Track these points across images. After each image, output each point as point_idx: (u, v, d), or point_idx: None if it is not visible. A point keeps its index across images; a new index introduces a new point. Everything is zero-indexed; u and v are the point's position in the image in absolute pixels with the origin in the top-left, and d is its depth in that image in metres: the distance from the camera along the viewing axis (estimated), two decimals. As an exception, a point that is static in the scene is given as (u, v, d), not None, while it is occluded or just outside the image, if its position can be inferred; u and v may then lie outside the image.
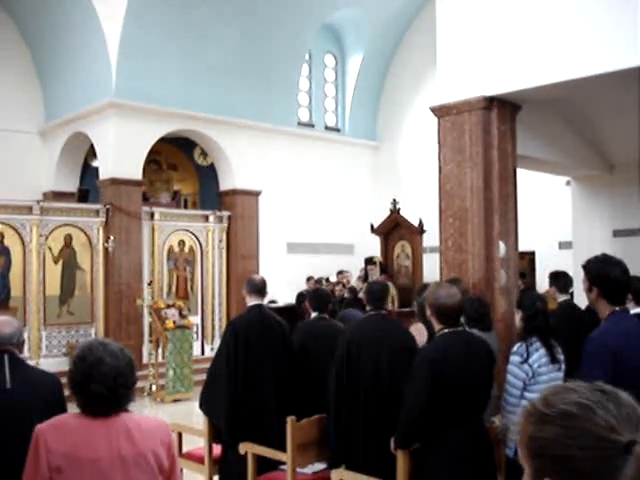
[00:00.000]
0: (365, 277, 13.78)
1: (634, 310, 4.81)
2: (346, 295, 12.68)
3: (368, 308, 5.26)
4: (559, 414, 1.30)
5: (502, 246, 6.68)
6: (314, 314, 6.09)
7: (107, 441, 2.68)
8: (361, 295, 12.03)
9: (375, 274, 13.42)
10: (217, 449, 5.78)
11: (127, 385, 2.75)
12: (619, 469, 1.25)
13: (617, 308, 3.80)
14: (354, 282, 14.03)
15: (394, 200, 14.03)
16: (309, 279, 14.74)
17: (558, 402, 1.32)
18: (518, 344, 4.62)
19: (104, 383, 2.67)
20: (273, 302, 13.55)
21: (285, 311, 11.05)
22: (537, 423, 1.33)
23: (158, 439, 2.80)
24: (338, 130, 18.27)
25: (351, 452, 4.89)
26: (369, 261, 14.24)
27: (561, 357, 4.61)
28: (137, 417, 2.85)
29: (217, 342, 13.03)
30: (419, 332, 5.45)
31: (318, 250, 16.75)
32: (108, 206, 13.20)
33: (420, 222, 13.53)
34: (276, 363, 5.68)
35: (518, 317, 4.78)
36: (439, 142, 6.98)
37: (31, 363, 9.53)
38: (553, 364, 4.52)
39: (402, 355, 4.77)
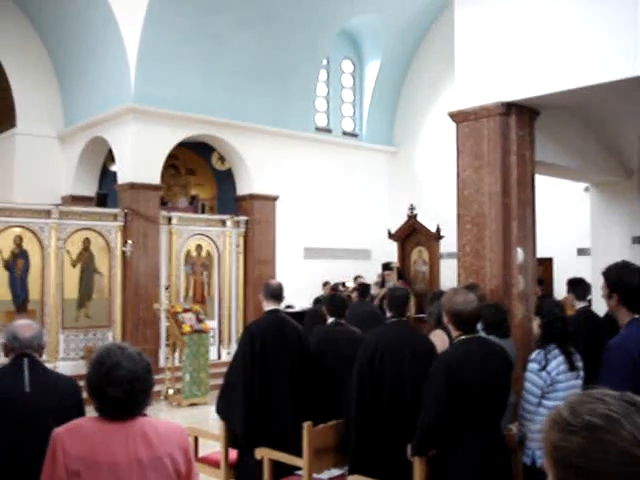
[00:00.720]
0: (382, 283, 13.75)
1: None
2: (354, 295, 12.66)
3: (389, 314, 5.24)
4: (585, 425, 1.27)
5: (520, 252, 6.65)
6: (330, 319, 6.09)
7: (124, 445, 2.68)
8: (377, 301, 12.04)
9: (392, 280, 13.40)
10: (233, 454, 5.79)
11: (144, 389, 2.76)
12: None
13: (637, 315, 3.78)
14: (372, 290, 13.99)
15: (411, 205, 14.02)
16: (325, 284, 14.73)
17: (584, 412, 1.29)
18: (536, 351, 4.59)
19: (121, 387, 2.68)
20: (290, 307, 13.56)
21: (302, 316, 11.05)
22: (562, 432, 1.30)
23: (175, 443, 2.80)
24: (355, 135, 18.26)
25: (372, 457, 4.88)
26: (386, 266, 14.21)
27: (580, 364, 4.58)
28: (154, 421, 2.85)
29: (234, 347, 13.05)
30: (440, 339, 5.43)
31: (335, 255, 16.73)
32: (126, 210, 13.26)
33: (437, 228, 13.51)
34: (292, 368, 5.68)
35: (536, 324, 4.75)
36: (457, 148, 6.96)
37: (49, 366, 9.59)
38: (572, 372, 4.49)
39: (425, 361, 4.74)
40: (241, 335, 6.05)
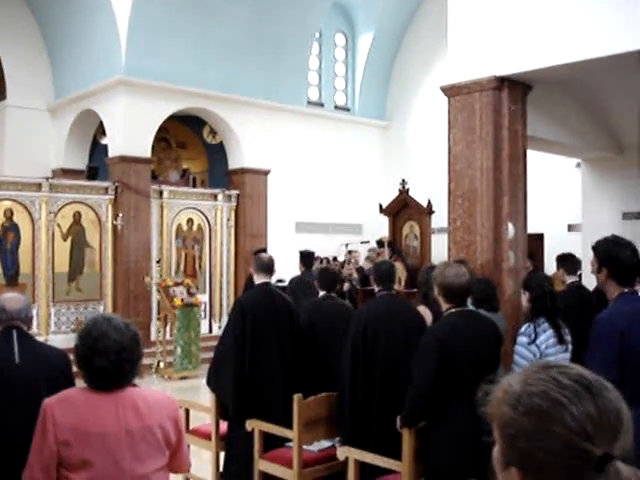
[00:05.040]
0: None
1: (641, 293, 4.79)
2: (355, 275, 12.72)
3: (377, 289, 5.26)
4: (534, 409, 1.20)
5: (511, 227, 6.65)
6: (322, 293, 6.10)
7: (114, 415, 2.70)
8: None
9: (383, 256, 13.38)
10: (224, 426, 5.82)
11: (131, 360, 2.77)
12: None
13: (626, 289, 3.80)
14: (362, 262, 14.02)
15: (403, 180, 14.00)
16: (315, 259, 14.70)
17: (536, 394, 1.21)
18: (526, 325, 4.61)
19: (108, 357, 2.69)
20: (280, 281, 13.57)
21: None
22: (511, 409, 1.23)
23: (165, 413, 2.81)
24: (348, 109, 18.20)
25: (366, 430, 4.91)
26: (380, 243, 14.17)
27: (568, 338, 4.61)
28: (144, 391, 2.87)
29: (225, 320, 13.07)
30: (424, 314, 5.46)
31: (327, 230, 16.74)
32: (117, 184, 13.21)
33: (429, 202, 13.51)
34: (283, 341, 5.70)
35: (525, 298, 4.77)
36: (449, 122, 6.93)
37: (40, 339, 9.60)
38: (560, 345, 4.52)
39: (416, 333, 4.76)
40: (232, 308, 6.07)
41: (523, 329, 4.60)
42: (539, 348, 4.44)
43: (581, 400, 1.18)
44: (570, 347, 4.61)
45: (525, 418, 1.21)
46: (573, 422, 1.16)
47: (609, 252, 3.79)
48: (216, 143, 16.15)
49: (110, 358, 2.69)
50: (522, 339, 4.53)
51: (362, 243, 14.90)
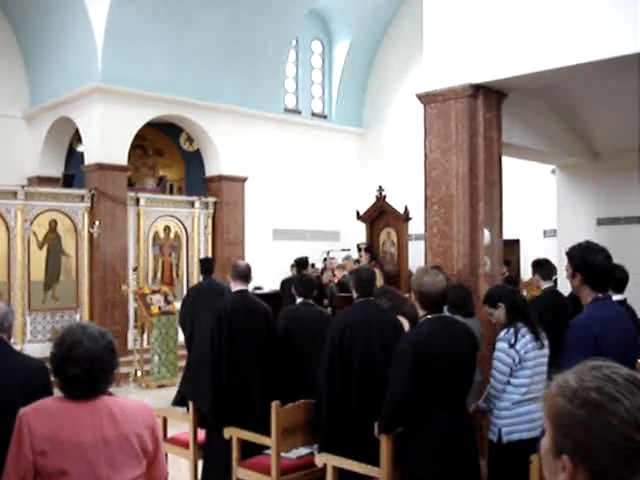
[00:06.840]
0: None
1: (614, 298, 4.85)
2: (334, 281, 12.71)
3: (356, 295, 5.26)
4: (588, 401, 1.31)
5: (487, 233, 6.70)
6: (299, 300, 6.11)
7: (90, 424, 2.68)
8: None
9: (362, 261, 13.39)
10: (202, 434, 5.80)
11: (105, 368, 2.76)
12: (636, 471, 1.26)
13: (600, 295, 3.84)
14: (335, 270, 14.00)
15: (380, 187, 14.05)
16: (293, 266, 14.69)
17: (592, 388, 1.32)
18: (505, 330, 4.61)
19: (81, 366, 2.68)
20: (258, 288, 13.55)
21: (270, 297, 11.03)
22: (568, 401, 1.34)
23: (142, 422, 2.80)
24: (324, 117, 18.24)
25: (343, 437, 4.91)
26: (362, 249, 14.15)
27: (546, 342, 4.64)
28: (120, 400, 2.86)
29: (202, 328, 13.02)
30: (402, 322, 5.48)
31: (304, 237, 16.75)
32: (93, 191, 13.14)
33: (406, 209, 13.56)
34: (260, 348, 5.70)
35: (502, 312, 4.70)
36: (425, 129, 6.98)
37: (15, 348, 9.51)
38: (540, 349, 4.55)
39: (393, 341, 4.78)
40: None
41: (502, 334, 4.60)
42: (518, 353, 4.47)
43: (633, 395, 1.30)
44: (547, 351, 4.64)
45: (581, 410, 1.32)
46: (626, 414, 1.28)
47: (583, 258, 3.83)
48: (193, 150, 16.12)
49: (83, 366, 2.68)
50: (502, 345, 4.53)
51: (343, 250, 14.93)
